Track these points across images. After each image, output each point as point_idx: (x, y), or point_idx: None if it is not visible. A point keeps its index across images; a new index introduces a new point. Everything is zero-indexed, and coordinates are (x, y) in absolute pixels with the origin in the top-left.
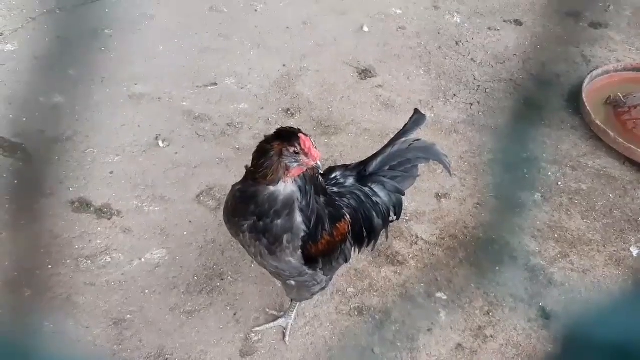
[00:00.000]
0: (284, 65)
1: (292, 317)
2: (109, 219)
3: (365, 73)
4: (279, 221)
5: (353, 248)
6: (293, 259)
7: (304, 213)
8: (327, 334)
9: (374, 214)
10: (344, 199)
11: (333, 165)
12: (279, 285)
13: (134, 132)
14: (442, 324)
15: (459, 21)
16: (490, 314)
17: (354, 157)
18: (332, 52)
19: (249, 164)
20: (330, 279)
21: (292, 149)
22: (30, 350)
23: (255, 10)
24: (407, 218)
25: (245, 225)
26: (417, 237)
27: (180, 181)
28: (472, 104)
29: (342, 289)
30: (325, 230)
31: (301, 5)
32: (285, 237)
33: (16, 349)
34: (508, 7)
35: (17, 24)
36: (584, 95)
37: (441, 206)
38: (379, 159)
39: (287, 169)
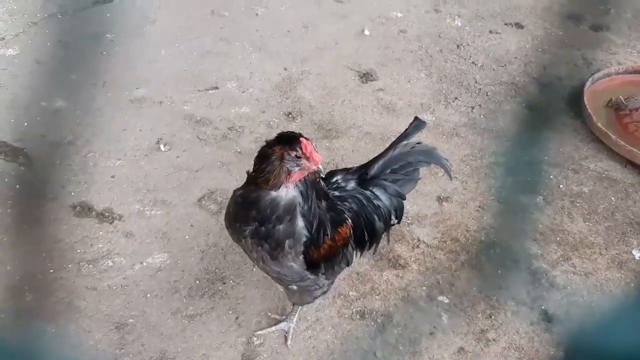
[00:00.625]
0: (285, 69)
1: (294, 320)
2: (110, 223)
3: (366, 76)
4: (281, 226)
5: (355, 252)
6: (295, 264)
7: (305, 218)
8: (329, 338)
9: (376, 217)
10: (346, 203)
11: (334, 169)
12: (281, 289)
13: (135, 136)
14: (444, 328)
15: (459, 24)
16: (493, 317)
17: (355, 161)
18: (333, 56)
19: (250, 169)
20: (332, 283)
21: (293, 153)
22: (32, 355)
23: (256, 14)
24: (409, 221)
25: (247, 231)
26: (418, 240)
27: (182, 185)
28: (473, 107)
29: (344, 293)
30: (327, 235)
31: (302, 9)
32: (287, 242)
33: (18, 353)
34: (509, 10)
35: (18, 28)
36: (585, 98)
37: (443, 209)
38: (380, 163)
39: (289, 173)
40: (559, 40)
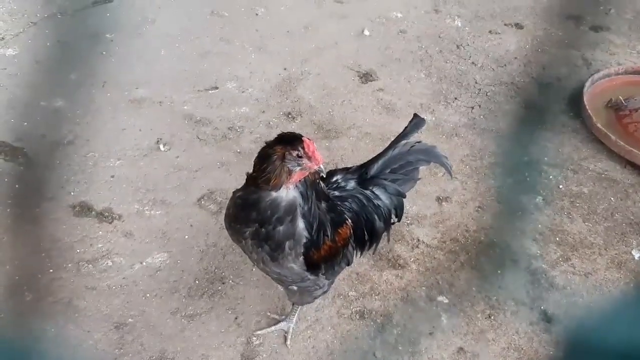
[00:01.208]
0: (284, 69)
1: (294, 320)
2: (110, 223)
3: (366, 77)
4: (281, 228)
5: (355, 251)
6: (295, 265)
7: (306, 219)
8: (328, 338)
9: (376, 217)
10: (346, 203)
11: (334, 168)
12: (281, 289)
13: (134, 136)
14: (444, 328)
15: (459, 25)
16: (492, 317)
17: (355, 161)
18: (333, 56)
19: (250, 170)
20: (332, 283)
21: (295, 153)
22: (31, 355)
23: (256, 14)
24: (409, 221)
25: (247, 232)
26: (418, 240)
27: (181, 185)
28: (473, 108)
29: (343, 293)
30: (327, 235)
31: (302, 9)
32: (287, 243)
33: (17, 353)
34: (509, 11)
35: (18, 28)
36: (585, 99)
37: (442, 209)
38: (380, 162)
39: (290, 173)
40: (558, 41)
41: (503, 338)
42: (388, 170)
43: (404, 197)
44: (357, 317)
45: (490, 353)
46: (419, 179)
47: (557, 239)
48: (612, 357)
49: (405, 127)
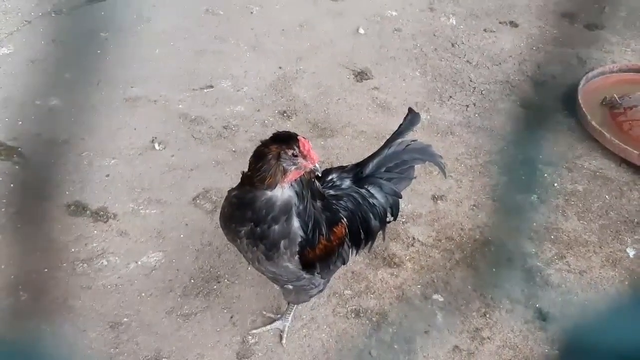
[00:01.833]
0: (280, 68)
1: (289, 319)
2: (105, 222)
3: (361, 75)
4: (276, 227)
5: (350, 250)
6: (290, 264)
7: (301, 218)
8: (324, 337)
9: (371, 215)
10: (341, 202)
11: (329, 167)
12: (276, 288)
13: (130, 135)
14: (439, 326)
15: (454, 23)
16: (487, 315)
17: (350, 159)
18: (328, 54)
19: (245, 169)
20: (328, 281)
21: (290, 152)
22: (26, 354)
23: (251, 13)
24: (404, 220)
25: (242, 232)
26: (413, 239)
27: (177, 184)
28: (467, 106)
29: (339, 291)
30: (323, 235)
31: (297, 8)
32: (282, 242)
33: (12, 352)
34: (503, 9)
35: (12, 27)
36: (579, 97)
37: (438, 208)
38: (375, 161)
39: (285, 172)
40: (553, 39)
41: (498, 336)
42: (383, 169)
43: (400, 197)
44: (353, 315)
45: (485, 351)
46: (414, 177)
47: (552, 237)
48: (606, 354)
49: (401, 124)
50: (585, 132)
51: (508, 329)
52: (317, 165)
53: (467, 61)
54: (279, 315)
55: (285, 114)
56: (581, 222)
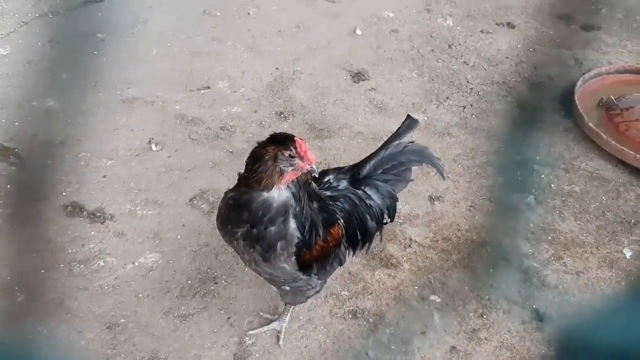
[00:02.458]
0: (277, 69)
1: (286, 320)
2: (102, 223)
3: (358, 76)
4: (273, 228)
5: (347, 251)
6: (287, 265)
7: (297, 219)
8: (321, 337)
9: (368, 217)
10: (338, 203)
11: (326, 168)
12: (273, 289)
13: (126, 136)
14: (436, 327)
15: (451, 24)
16: (484, 316)
17: (347, 160)
18: (325, 56)
19: (242, 170)
20: (325, 282)
21: (287, 153)
22: (23, 355)
23: (248, 14)
24: (401, 221)
25: (239, 233)
26: (410, 240)
27: (174, 185)
28: (464, 107)
29: (336, 292)
30: (319, 236)
31: (294, 9)
32: (279, 244)
33: (9, 354)
34: (500, 10)
35: (9, 28)
36: (576, 98)
37: (435, 209)
38: (372, 162)
39: (282, 173)
40: (550, 40)
41: (495, 337)
42: (380, 171)
43: (397, 199)
44: (350, 316)
45: (482, 352)
46: (412, 180)
47: (549, 237)
48: (603, 355)
49: (398, 128)
50: (582, 133)
51: (505, 329)
52: (314, 166)
53: (464, 62)
54: (276, 316)
55: (282, 115)
56: (578, 223)
